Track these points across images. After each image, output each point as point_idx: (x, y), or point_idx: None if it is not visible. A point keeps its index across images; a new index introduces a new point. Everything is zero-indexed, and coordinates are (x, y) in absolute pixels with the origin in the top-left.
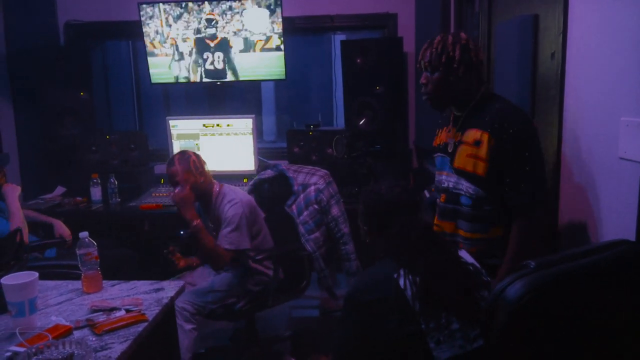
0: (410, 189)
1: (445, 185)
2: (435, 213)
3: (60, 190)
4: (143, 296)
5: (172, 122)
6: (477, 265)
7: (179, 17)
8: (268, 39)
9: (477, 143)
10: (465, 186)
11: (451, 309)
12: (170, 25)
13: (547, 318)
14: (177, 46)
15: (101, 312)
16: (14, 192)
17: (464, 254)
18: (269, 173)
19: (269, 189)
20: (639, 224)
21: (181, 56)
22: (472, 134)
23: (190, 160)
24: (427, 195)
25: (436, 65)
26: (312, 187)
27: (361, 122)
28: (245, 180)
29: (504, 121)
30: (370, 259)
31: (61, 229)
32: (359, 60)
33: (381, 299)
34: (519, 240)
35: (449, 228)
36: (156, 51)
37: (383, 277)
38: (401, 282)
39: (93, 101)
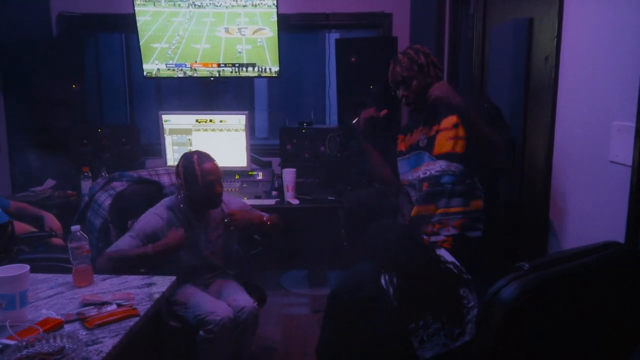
0: (388, 194)
1: (426, 174)
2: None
3: (50, 182)
4: (134, 291)
5: (164, 117)
6: (457, 263)
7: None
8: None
9: (456, 125)
10: (447, 165)
11: (432, 308)
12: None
13: (541, 319)
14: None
15: (92, 306)
16: None
17: (444, 253)
18: (121, 185)
19: (140, 196)
20: (629, 226)
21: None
22: (449, 120)
23: None
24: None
25: (411, 76)
26: None
27: (354, 121)
28: (237, 176)
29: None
30: (347, 261)
31: (52, 222)
32: (353, 59)
33: (364, 298)
34: (494, 136)
35: (429, 210)
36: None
37: (365, 277)
38: (382, 282)
39: (85, 94)
